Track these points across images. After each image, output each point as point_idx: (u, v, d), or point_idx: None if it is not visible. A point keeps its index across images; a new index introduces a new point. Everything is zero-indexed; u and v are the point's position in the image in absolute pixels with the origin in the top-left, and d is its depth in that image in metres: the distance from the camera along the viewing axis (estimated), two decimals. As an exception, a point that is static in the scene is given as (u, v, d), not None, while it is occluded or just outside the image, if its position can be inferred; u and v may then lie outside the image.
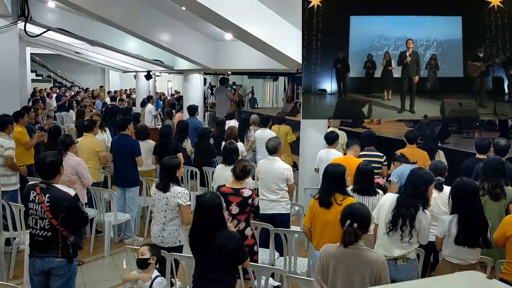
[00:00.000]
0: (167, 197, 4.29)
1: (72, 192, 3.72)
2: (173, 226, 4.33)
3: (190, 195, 4.52)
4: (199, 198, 3.53)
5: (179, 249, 4.35)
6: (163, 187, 4.31)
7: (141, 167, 6.77)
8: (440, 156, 6.22)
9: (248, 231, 4.32)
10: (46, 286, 3.79)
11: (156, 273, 3.78)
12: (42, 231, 3.66)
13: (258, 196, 4.38)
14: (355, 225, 2.97)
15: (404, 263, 3.65)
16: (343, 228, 3.06)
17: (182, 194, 4.27)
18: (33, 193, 3.69)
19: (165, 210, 4.31)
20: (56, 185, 3.72)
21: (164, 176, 4.40)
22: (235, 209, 4.21)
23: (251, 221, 4.47)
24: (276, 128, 8.31)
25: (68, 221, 3.66)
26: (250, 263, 3.91)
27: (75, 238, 3.81)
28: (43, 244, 3.68)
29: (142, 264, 3.73)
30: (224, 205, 3.54)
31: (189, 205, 4.35)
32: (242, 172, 4.31)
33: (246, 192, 4.26)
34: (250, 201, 4.25)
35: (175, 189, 4.28)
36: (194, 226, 3.47)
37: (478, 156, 5.50)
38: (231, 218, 4.16)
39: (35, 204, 3.67)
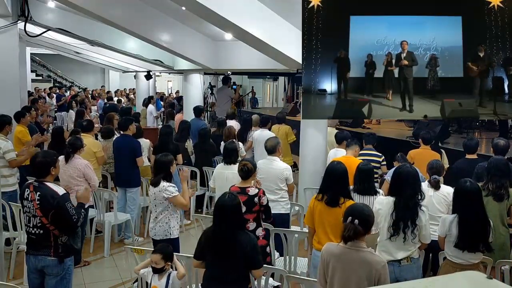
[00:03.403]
0: (154, 192, 4.50)
1: (60, 191, 3.76)
2: (163, 219, 4.52)
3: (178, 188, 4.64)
4: (219, 200, 3.54)
5: (171, 241, 4.40)
6: (155, 183, 4.52)
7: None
8: (443, 157, 6.23)
9: (259, 232, 4.32)
10: (42, 285, 3.81)
11: (169, 270, 3.74)
12: (35, 229, 3.73)
13: (265, 195, 4.37)
14: (356, 221, 2.96)
15: (408, 263, 3.65)
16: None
17: (166, 188, 4.46)
18: (27, 191, 3.79)
19: (156, 205, 4.53)
20: (48, 184, 3.79)
21: (157, 172, 4.60)
22: (242, 208, 4.20)
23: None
24: (276, 128, 8.31)
25: (57, 220, 3.69)
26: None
27: (68, 239, 3.78)
28: (36, 242, 3.75)
29: (154, 269, 3.68)
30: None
31: (176, 195, 4.48)
32: (242, 171, 4.36)
33: (252, 191, 4.27)
34: (256, 199, 4.25)
35: (162, 184, 4.48)
36: (215, 228, 3.45)
37: (467, 156, 5.51)
38: None
39: (28, 201, 3.76)
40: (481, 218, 3.65)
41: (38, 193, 3.71)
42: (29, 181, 3.99)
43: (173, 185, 4.54)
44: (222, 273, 3.39)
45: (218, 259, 3.41)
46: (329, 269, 3.06)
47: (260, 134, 7.70)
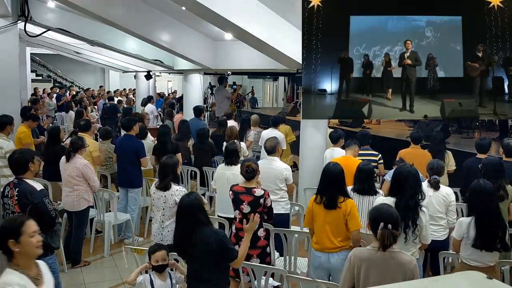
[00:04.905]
0: (165, 196, 4.41)
1: (38, 187, 3.81)
2: (172, 223, 4.38)
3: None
4: (179, 201, 3.54)
5: None
6: (165, 187, 4.42)
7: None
8: (449, 157, 6.23)
9: (260, 232, 4.30)
10: None
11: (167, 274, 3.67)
12: None
13: (269, 196, 4.35)
14: (390, 226, 2.89)
15: None
16: (374, 233, 2.97)
17: (179, 192, 4.39)
18: (7, 188, 3.85)
19: (164, 208, 4.44)
20: (27, 180, 3.83)
21: (165, 175, 4.47)
22: (246, 208, 4.20)
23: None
24: (276, 128, 8.29)
25: (34, 215, 3.65)
26: (256, 264, 3.91)
27: (46, 237, 3.74)
28: None
29: (161, 268, 3.61)
30: (205, 201, 3.51)
31: None
32: (247, 172, 4.30)
33: (258, 192, 4.24)
34: (262, 200, 4.22)
35: (172, 187, 4.42)
36: (176, 227, 3.48)
37: (478, 156, 5.52)
38: (241, 216, 4.19)
39: (8, 198, 3.81)
40: (497, 215, 3.66)
41: (16, 189, 3.77)
42: (10, 179, 4.05)
43: (184, 190, 4.49)
44: (197, 271, 3.38)
45: (188, 258, 3.44)
46: (361, 275, 2.99)
47: (269, 134, 7.66)
